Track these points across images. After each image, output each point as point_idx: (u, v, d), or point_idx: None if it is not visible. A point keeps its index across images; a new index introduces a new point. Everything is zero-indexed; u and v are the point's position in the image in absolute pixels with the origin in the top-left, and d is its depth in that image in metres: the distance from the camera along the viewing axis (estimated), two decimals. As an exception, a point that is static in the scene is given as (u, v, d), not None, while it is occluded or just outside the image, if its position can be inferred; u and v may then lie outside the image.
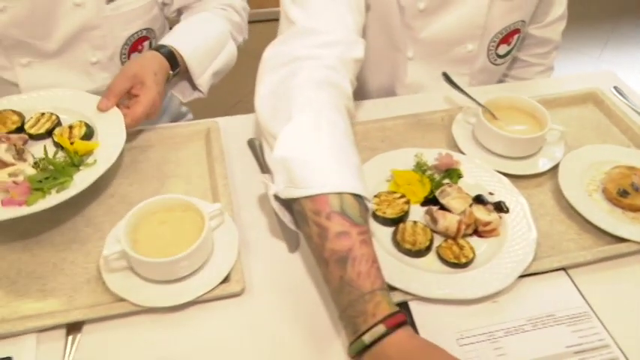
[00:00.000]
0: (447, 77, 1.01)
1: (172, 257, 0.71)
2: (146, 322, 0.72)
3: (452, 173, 0.90)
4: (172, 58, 1.00)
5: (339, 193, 0.63)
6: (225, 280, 0.75)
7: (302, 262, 0.80)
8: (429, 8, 1.00)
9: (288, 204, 0.71)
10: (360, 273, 0.59)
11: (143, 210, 0.78)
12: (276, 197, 0.70)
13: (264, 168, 0.93)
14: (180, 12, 1.19)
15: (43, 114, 0.92)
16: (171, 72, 0.99)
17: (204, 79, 1.06)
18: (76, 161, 0.83)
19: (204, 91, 1.09)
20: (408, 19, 1.02)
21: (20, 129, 0.90)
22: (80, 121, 0.90)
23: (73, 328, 0.71)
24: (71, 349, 0.69)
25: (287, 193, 0.67)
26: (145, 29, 1.12)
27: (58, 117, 0.92)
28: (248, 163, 0.96)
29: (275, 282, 0.77)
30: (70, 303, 0.74)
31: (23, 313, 0.72)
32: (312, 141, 0.68)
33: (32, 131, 0.89)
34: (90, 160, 0.84)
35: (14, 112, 0.92)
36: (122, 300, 0.72)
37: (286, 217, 0.71)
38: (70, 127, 0.89)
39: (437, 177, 0.90)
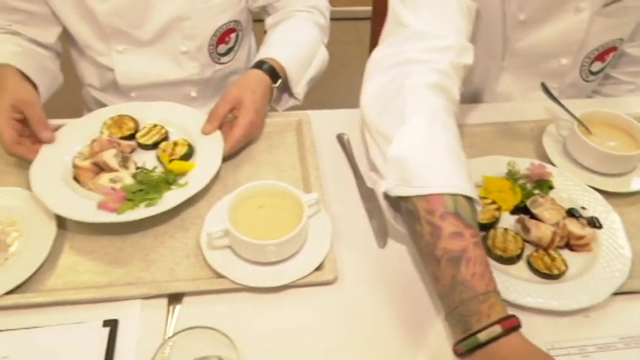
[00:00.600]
0: (544, 88, 1.01)
1: (277, 240, 0.73)
2: (243, 299, 0.75)
3: (543, 184, 0.90)
4: (273, 72, 1.00)
5: (454, 195, 0.64)
6: (319, 267, 0.77)
7: (392, 257, 0.82)
8: (529, 20, 1.00)
9: (394, 201, 0.73)
10: (474, 274, 0.60)
11: (243, 193, 0.81)
12: (385, 194, 0.72)
13: (353, 162, 0.96)
14: (265, 10, 1.20)
15: (155, 125, 0.95)
16: (274, 85, 1.00)
17: (301, 87, 1.07)
18: (169, 180, 0.85)
19: (300, 98, 1.09)
20: (507, 28, 1.01)
21: (132, 136, 0.94)
22: (184, 140, 0.92)
23: (174, 299, 0.75)
24: (172, 319, 0.73)
25: (400, 191, 0.68)
26: (232, 21, 1.15)
27: (167, 131, 0.95)
28: (337, 156, 0.98)
29: (366, 273, 0.79)
30: (171, 275, 0.78)
31: (128, 280, 0.77)
32: (429, 142, 0.69)
33: (142, 140, 0.92)
34: (182, 180, 0.86)
35: (131, 118, 0.95)
36: (222, 277, 0.75)
37: (390, 214, 0.73)
38: (175, 144, 0.91)
39: (528, 186, 0.90)
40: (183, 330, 0.62)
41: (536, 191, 0.89)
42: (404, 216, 0.72)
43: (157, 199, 0.82)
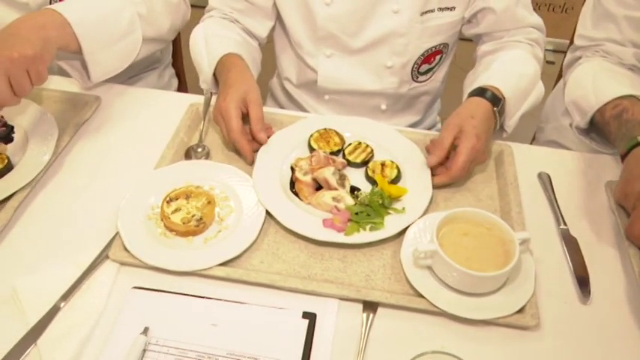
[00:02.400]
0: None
1: (492, 273, 0.71)
2: (437, 323, 0.74)
3: None
4: (494, 99, 0.97)
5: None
6: (520, 310, 0.74)
7: (594, 313, 0.76)
8: None
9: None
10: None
11: (450, 217, 0.80)
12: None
13: (554, 204, 0.91)
14: (479, 36, 1.17)
15: (359, 143, 0.96)
16: (495, 109, 0.96)
17: (513, 121, 1.03)
18: (386, 203, 0.86)
19: (509, 132, 1.05)
20: None
21: (338, 151, 0.95)
22: (392, 162, 0.92)
23: (368, 306, 0.76)
24: (367, 326, 0.73)
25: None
26: (442, 44, 1.14)
27: (372, 150, 0.95)
28: (536, 195, 0.93)
29: (566, 325, 0.75)
30: (367, 281, 0.78)
31: (326, 277, 0.79)
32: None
33: (351, 158, 0.94)
34: (399, 206, 0.86)
35: (337, 133, 0.97)
36: (420, 296, 0.75)
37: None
38: (382, 165, 0.92)
39: None
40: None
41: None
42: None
43: (381, 224, 0.83)
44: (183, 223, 0.81)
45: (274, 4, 1.13)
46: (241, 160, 0.95)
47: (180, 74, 1.56)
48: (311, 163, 0.90)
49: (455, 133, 0.91)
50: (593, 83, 1.04)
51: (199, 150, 0.96)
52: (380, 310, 0.76)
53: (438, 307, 0.74)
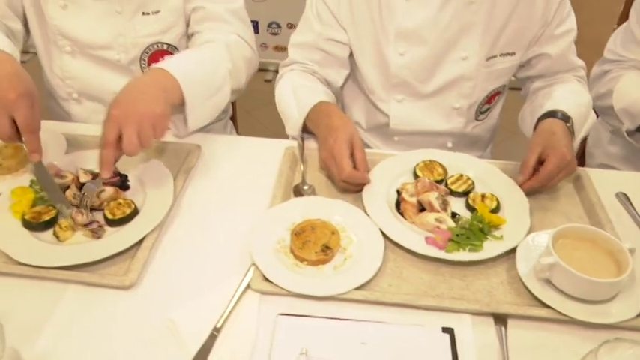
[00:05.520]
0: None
1: (613, 279, 0.79)
2: (567, 332, 0.80)
3: None
4: (566, 118, 1.07)
5: None
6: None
7: None
8: None
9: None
10: None
11: (559, 233, 0.87)
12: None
13: (638, 221, 0.99)
14: (529, 77, 1.29)
15: (461, 175, 1.04)
16: (568, 125, 1.06)
17: (575, 143, 1.11)
18: (485, 230, 0.93)
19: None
20: None
21: (441, 181, 1.04)
22: (492, 195, 1.00)
23: (498, 319, 0.81)
24: (505, 337, 0.79)
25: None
26: (502, 85, 1.26)
27: (473, 183, 1.03)
28: (619, 213, 1.02)
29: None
30: (490, 296, 0.85)
31: (453, 295, 0.85)
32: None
33: (453, 187, 1.02)
34: (497, 233, 0.93)
35: (440, 165, 1.07)
36: (546, 306, 0.81)
37: None
38: (483, 196, 0.99)
39: None
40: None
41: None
42: None
43: (479, 246, 0.90)
44: (315, 253, 0.87)
45: (350, 54, 1.24)
46: (345, 195, 1.02)
47: (234, 123, 1.66)
48: (417, 187, 0.99)
49: (539, 151, 1.00)
50: (638, 91, 1.27)
51: (305, 187, 1.03)
52: (511, 321, 0.81)
53: (566, 315, 0.80)
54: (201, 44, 1.20)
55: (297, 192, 1.02)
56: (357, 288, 0.83)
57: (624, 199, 1.04)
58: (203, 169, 1.09)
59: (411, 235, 0.93)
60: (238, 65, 1.21)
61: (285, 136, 1.19)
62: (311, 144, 1.14)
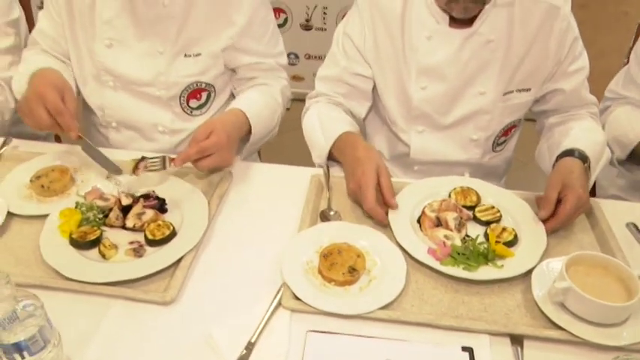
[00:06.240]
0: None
1: (624, 303, 0.84)
2: (579, 354, 0.85)
3: None
4: (583, 157, 1.12)
5: None
6: (648, 338, 0.86)
7: None
8: None
9: None
10: None
11: (572, 260, 0.92)
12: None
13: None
14: (544, 112, 1.35)
15: (492, 207, 1.09)
16: (586, 164, 1.11)
17: (591, 180, 1.16)
18: (489, 257, 0.98)
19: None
20: None
21: (471, 207, 1.10)
22: (512, 229, 1.04)
23: (515, 340, 0.86)
24: (521, 357, 0.84)
25: None
26: (518, 119, 1.34)
27: (501, 215, 1.08)
28: (630, 242, 1.07)
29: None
30: (507, 319, 0.90)
31: (471, 316, 0.90)
32: None
33: (478, 215, 1.08)
34: (500, 262, 0.98)
35: (476, 193, 1.12)
36: (560, 329, 0.86)
37: None
38: (503, 229, 1.04)
39: None
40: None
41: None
42: None
43: (474, 267, 0.96)
44: (342, 274, 0.93)
45: (373, 87, 1.32)
46: (369, 219, 1.08)
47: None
48: (441, 205, 1.06)
49: (559, 188, 1.05)
50: (629, 123, 1.36)
51: (332, 213, 1.09)
52: (527, 342, 0.86)
53: (579, 337, 0.85)
54: (258, 86, 1.38)
55: (324, 217, 1.09)
56: (382, 308, 0.89)
57: (634, 228, 1.09)
58: (235, 194, 1.16)
59: (417, 243, 1.00)
60: (285, 107, 1.40)
61: (301, 163, 1.27)
62: (335, 171, 1.21)
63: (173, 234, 1.02)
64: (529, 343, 0.86)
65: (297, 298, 0.90)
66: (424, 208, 1.07)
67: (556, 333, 0.87)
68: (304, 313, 0.89)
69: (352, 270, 0.94)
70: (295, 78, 3.42)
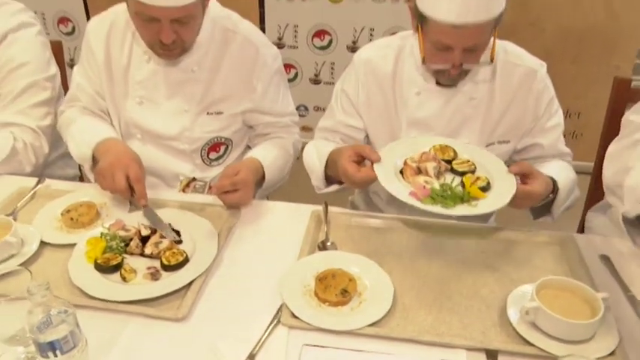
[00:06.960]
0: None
1: (588, 320, 0.94)
2: (548, 366, 0.94)
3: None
4: (553, 181, 1.25)
5: None
6: (612, 353, 0.94)
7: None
8: None
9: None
10: None
11: (542, 284, 1.02)
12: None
13: (622, 282, 1.13)
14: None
15: (468, 160, 1.19)
16: (552, 195, 1.26)
17: (560, 210, 1.30)
18: (464, 197, 1.09)
19: (555, 218, 1.34)
20: None
21: (449, 161, 1.20)
22: (485, 177, 1.14)
23: (491, 355, 0.96)
24: (494, 369, 0.93)
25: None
26: None
27: (475, 167, 1.18)
28: (602, 272, 1.17)
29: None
30: (484, 336, 0.99)
31: (452, 333, 1.00)
32: None
33: (455, 166, 1.18)
34: (474, 202, 1.09)
35: (454, 150, 1.21)
36: (530, 344, 0.96)
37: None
38: (477, 178, 1.14)
39: None
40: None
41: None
42: None
43: (450, 205, 1.07)
44: (335, 295, 1.04)
45: (366, 136, 1.46)
46: (362, 249, 1.20)
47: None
48: (421, 157, 1.17)
49: (531, 171, 1.16)
50: None
51: (329, 243, 1.21)
52: (501, 357, 0.96)
53: (549, 353, 0.94)
54: (273, 139, 1.57)
55: (322, 247, 1.21)
56: (370, 325, 0.99)
57: (606, 260, 1.19)
58: (242, 227, 1.29)
59: (400, 187, 1.11)
60: (295, 157, 1.56)
61: (303, 201, 1.39)
62: (333, 208, 1.34)
63: (186, 260, 1.14)
64: (503, 358, 0.96)
65: (295, 317, 1.01)
66: (406, 159, 1.18)
67: (528, 349, 0.96)
68: (301, 330, 1.00)
69: (345, 292, 1.05)
70: (305, 129, 3.60)
